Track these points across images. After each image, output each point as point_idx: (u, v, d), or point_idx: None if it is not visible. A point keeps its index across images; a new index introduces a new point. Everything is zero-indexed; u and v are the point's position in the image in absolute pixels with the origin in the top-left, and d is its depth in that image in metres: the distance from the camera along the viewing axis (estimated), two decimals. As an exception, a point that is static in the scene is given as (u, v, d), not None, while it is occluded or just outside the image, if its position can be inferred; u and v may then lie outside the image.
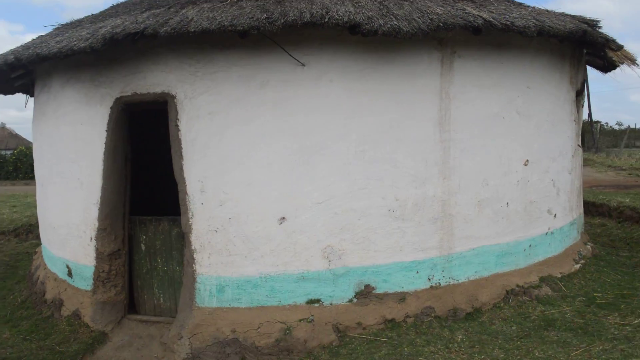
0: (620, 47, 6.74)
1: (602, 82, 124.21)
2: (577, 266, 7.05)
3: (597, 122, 38.63)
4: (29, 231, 11.90)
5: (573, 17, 6.47)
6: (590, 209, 11.87)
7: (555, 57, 6.73)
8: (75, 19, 7.11)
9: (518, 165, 6.18)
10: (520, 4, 6.57)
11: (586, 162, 29.97)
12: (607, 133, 43.85)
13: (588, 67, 8.18)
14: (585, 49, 7.27)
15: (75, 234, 6.25)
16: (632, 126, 43.27)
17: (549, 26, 5.60)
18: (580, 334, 5.10)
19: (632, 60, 7.40)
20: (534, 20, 5.54)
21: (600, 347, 4.74)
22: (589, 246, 7.82)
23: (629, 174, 23.18)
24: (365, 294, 5.35)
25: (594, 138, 35.41)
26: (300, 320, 5.19)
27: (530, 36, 5.43)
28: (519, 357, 4.69)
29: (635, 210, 10.63)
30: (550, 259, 6.71)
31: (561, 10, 6.79)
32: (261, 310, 5.25)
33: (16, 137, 46.68)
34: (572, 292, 6.27)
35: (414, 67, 5.47)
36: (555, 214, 6.82)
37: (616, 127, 47.98)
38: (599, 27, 6.47)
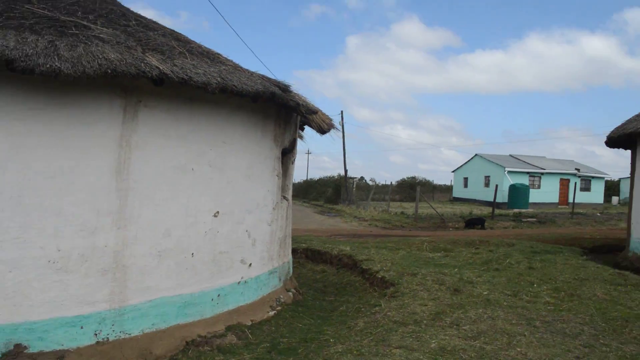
0: (312, 111, 7.38)
1: (368, 143, 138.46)
2: (272, 313, 7.34)
3: (352, 178, 42.45)
4: None
5: (268, 79, 6.91)
6: (316, 256, 12.72)
7: (258, 115, 7.09)
8: None
9: (207, 217, 6.28)
10: (223, 61, 6.81)
11: (339, 213, 32.62)
12: (362, 188, 48.31)
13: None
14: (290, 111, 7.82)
15: None
16: (388, 182, 48.48)
17: (234, 85, 5.88)
18: (246, 383, 5.22)
19: (328, 125, 8.19)
20: (218, 78, 5.77)
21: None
22: (291, 293, 8.24)
23: (369, 224, 25.72)
24: (14, 354, 4.80)
25: (348, 192, 38.82)
26: None
27: (212, 92, 5.64)
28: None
29: (351, 257, 11.63)
30: (243, 307, 6.88)
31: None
32: None
33: None
34: (258, 339, 6.46)
35: (91, 112, 5.25)
36: (251, 264, 7.06)
37: (370, 183, 53.21)
38: (290, 92, 6.98)
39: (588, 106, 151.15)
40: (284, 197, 8.32)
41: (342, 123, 39.94)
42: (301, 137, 10.43)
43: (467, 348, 5.43)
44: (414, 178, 58.84)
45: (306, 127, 9.86)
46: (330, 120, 8.36)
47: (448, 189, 59.20)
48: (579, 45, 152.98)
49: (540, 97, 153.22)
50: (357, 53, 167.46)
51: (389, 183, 46.37)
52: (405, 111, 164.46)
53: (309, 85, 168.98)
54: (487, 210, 33.94)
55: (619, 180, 55.36)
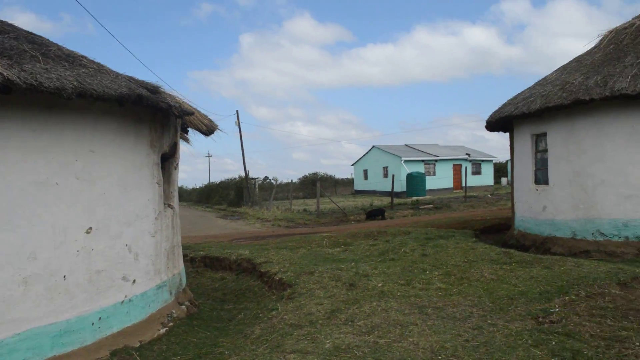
0: (188, 113, 7.03)
1: (270, 142, 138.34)
2: (163, 330, 6.92)
3: (254, 178, 42.01)
4: None
5: (136, 81, 6.48)
6: (215, 263, 12.30)
7: (129, 120, 6.63)
8: None
9: (78, 234, 5.77)
10: (85, 64, 6.28)
11: (242, 216, 32.14)
12: (266, 188, 48.00)
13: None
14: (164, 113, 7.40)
15: None
16: (292, 181, 48.35)
17: (93, 89, 5.42)
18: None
19: (208, 125, 7.86)
20: (74, 82, 5.29)
21: None
22: (184, 306, 7.84)
23: (272, 225, 25.49)
24: None
25: (250, 193, 38.39)
26: None
27: (68, 98, 5.15)
28: None
29: (250, 261, 11.34)
30: (130, 328, 6.41)
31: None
32: None
33: None
34: (148, 361, 6.06)
35: None
36: (135, 280, 6.60)
37: (273, 182, 52.95)
38: (160, 93, 6.59)
39: (474, 93, 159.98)
40: (169, 205, 7.89)
41: (239, 123, 39.45)
42: (187, 140, 10.01)
43: (361, 344, 5.34)
44: (315, 174, 59.30)
45: (194, 131, 9.46)
46: (210, 120, 8.02)
47: (350, 182, 60.20)
48: (462, 36, 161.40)
49: (431, 87, 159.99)
50: (252, 51, 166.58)
51: (291, 181, 46.27)
52: (304, 107, 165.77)
53: (206, 86, 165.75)
54: (387, 200, 34.79)
55: (507, 161, 58.82)
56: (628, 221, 10.01)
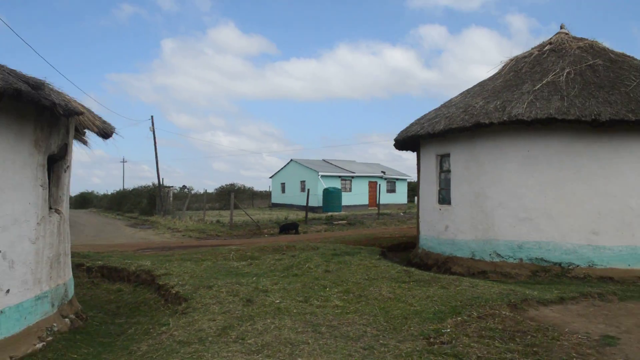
0: (75, 112, 6.55)
1: (189, 150, 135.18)
2: (40, 345, 6.39)
3: (169, 187, 40.83)
4: None
5: (17, 75, 5.97)
6: (113, 274, 11.66)
7: (10, 117, 6.09)
8: None
9: (-60, 238, 5.21)
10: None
11: (152, 225, 31.03)
12: (181, 197, 46.71)
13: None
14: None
15: None
16: (209, 191, 47.41)
17: (-38, 80, 4.93)
18: None
19: (100, 127, 7.43)
20: (-59, 71, 4.79)
21: None
22: (68, 319, 7.30)
23: (183, 235, 24.73)
24: None
25: (163, 202, 37.24)
26: None
27: None
28: None
29: (150, 273, 10.84)
30: (0, 342, 5.86)
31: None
32: None
33: None
34: (16, 380, 5.54)
35: None
36: (9, 290, 6.05)
37: (187, 192, 51.72)
38: (43, 89, 6.10)
39: (393, 113, 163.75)
40: (56, 210, 7.35)
41: (153, 129, 38.28)
42: (84, 142, 9.44)
43: (248, 364, 5.14)
44: (232, 185, 58.46)
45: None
46: (103, 122, 7.56)
47: (268, 195, 59.80)
48: (383, 57, 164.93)
49: (352, 104, 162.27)
50: (174, 57, 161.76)
51: (205, 191, 45.37)
52: (225, 117, 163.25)
53: (124, 89, 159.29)
54: (303, 214, 34.76)
55: (420, 181, 60.54)
56: (522, 243, 10.41)
